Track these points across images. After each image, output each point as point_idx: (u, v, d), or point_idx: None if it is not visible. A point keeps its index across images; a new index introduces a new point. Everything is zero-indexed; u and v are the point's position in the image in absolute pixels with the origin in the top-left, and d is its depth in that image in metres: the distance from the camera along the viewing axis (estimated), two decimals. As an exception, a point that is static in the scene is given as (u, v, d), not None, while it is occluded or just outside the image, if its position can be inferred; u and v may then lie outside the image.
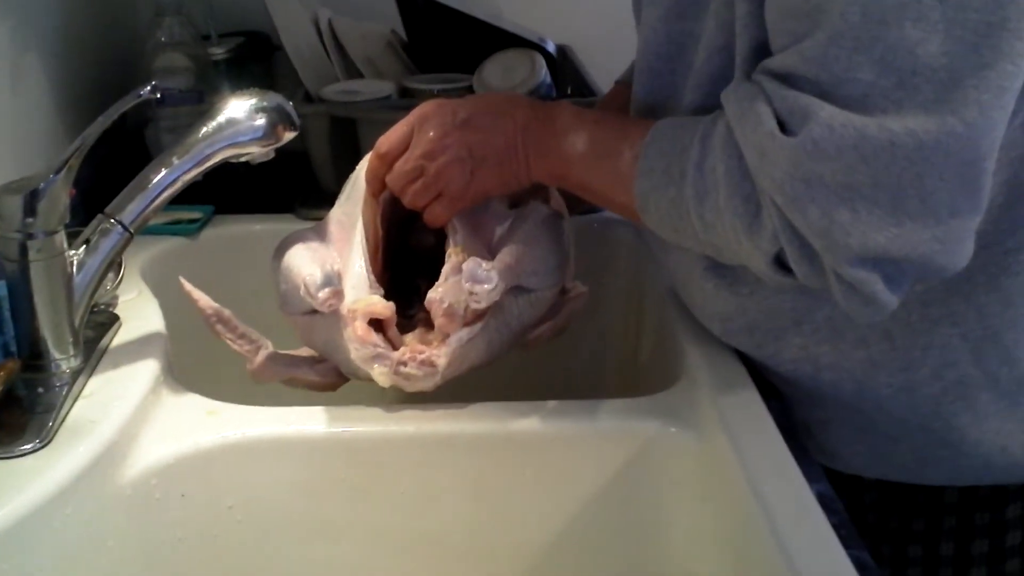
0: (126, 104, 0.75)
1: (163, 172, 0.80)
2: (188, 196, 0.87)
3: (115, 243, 0.80)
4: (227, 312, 0.86)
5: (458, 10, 1.25)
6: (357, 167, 0.91)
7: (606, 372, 1.17)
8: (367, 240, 0.86)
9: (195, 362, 1.03)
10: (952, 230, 0.62)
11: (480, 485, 0.80)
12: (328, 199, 1.15)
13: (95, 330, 0.86)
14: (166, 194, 0.81)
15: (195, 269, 1.07)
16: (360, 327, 0.77)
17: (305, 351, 0.90)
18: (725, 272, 0.80)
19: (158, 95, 0.75)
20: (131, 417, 0.76)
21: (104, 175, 1.12)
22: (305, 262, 0.83)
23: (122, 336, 0.87)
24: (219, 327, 0.85)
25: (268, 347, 0.86)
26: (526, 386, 1.13)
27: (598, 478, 0.80)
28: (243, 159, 0.85)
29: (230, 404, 0.81)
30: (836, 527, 0.64)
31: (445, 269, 0.79)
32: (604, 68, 1.25)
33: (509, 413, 0.80)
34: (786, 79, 0.65)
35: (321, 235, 0.90)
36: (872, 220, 0.62)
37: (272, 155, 0.86)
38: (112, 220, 0.80)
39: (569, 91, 1.32)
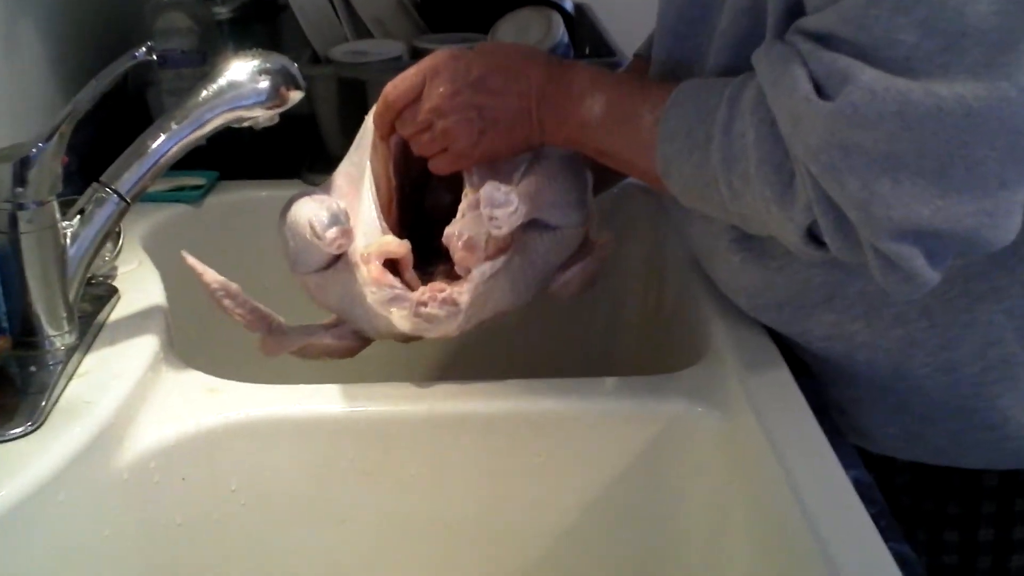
0: (120, 66, 0.71)
1: (161, 138, 0.77)
2: (191, 161, 0.83)
3: (111, 213, 0.77)
4: (234, 286, 0.82)
5: (471, -33, 1.20)
6: (366, 118, 0.87)
7: (625, 347, 1.13)
8: (378, 189, 0.82)
9: (198, 335, 1.00)
10: (1000, 202, 0.58)
11: (493, 467, 0.76)
12: (336, 163, 1.11)
13: (92, 303, 0.83)
14: (164, 161, 0.77)
15: (199, 238, 1.04)
16: (375, 268, 0.73)
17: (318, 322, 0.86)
18: (752, 244, 0.76)
19: (154, 56, 0.72)
20: (128, 396, 0.72)
21: (104, 139, 1.08)
22: (311, 208, 0.78)
23: (120, 310, 0.84)
24: (227, 302, 0.82)
25: (279, 320, 0.82)
26: (541, 361, 1.11)
27: (617, 461, 0.76)
28: (246, 124, 0.81)
29: (232, 382, 0.78)
30: (875, 518, 0.61)
31: (462, 206, 0.75)
32: (624, 28, 1.21)
33: (524, 391, 0.76)
34: (823, 40, 0.61)
35: (329, 190, 0.86)
36: (915, 191, 0.58)
37: (276, 120, 0.83)
38: (108, 189, 0.76)
39: (587, 51, 1.27)
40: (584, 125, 0.77)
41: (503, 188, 0.71)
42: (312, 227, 0.73)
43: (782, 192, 0.64)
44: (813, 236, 0.65)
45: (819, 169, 0.61)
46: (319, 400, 0.76)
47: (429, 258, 0.81)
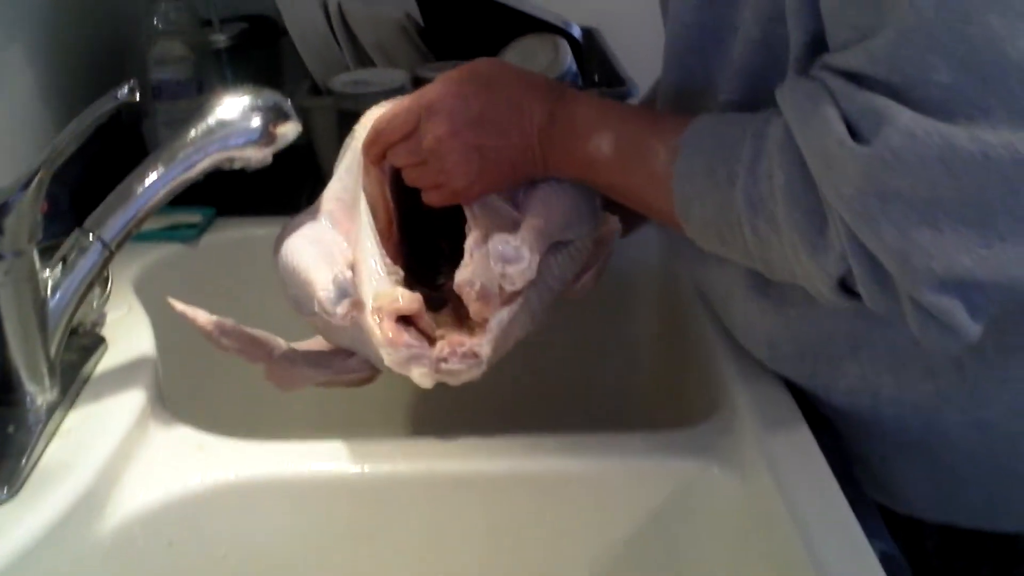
0: (102, 107, 0.67)
1: (147, 182, 0.73)
2: (187, 197, 0.80)
3: (94, 262, 0.73)
4: (229, 322, 0.78)
5: (476, -9, 1.16)
6: (353, 131, 0.84)
7: (634, 398, 1.09)
8: (376, 215, 0.78)
9: (190, 382, 0.97)
10: None
11: (497, 530, 0.73)
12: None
13: (78, 354, 0.79)
14: (151, 206, 0.74)
15: (194, 278, 1.01)
16: (388, 328, 0.69)
17: (320, 342, 0.82)
18: (771, 291, 0.72)
19: (137, 96, 0.67)
20: (112, 457, 0.69)
21: (96, 174, 1.04)
22: (312, 263, 0.75)
23: (107, 361, 0.80)
24: (224, 341, 0.78)
25: (282, 345, 0.78)
26: (545, 412, 1.07)
27: (627, 523, 0.73)
28: (237, 165, 0.77)
29: (222, 438, 0.75)
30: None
31: (468, 243, 0.72)
32: (634, 53, 1.17)
33: (528, 449, 0.73)
34: (854, 78, 0.57)
35: (321, 219, 0.82)
36: (958, 241, 0.54)
37: (270, 160, 0.79)
38: (91, 236, 0.72)
39: (596, 79, 1.23)
40: (592, 163, 0.73)
41: (512, 241, 0.67)
42: (320, 304, 0.70)
43: (814, 240, 0.60)
44: (846, 287, 0.61)
45: (854, 217, 0.57)
46: (313, 459, 0.72)
47: (435, 262, 0.79)
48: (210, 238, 1.05)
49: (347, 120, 1.04)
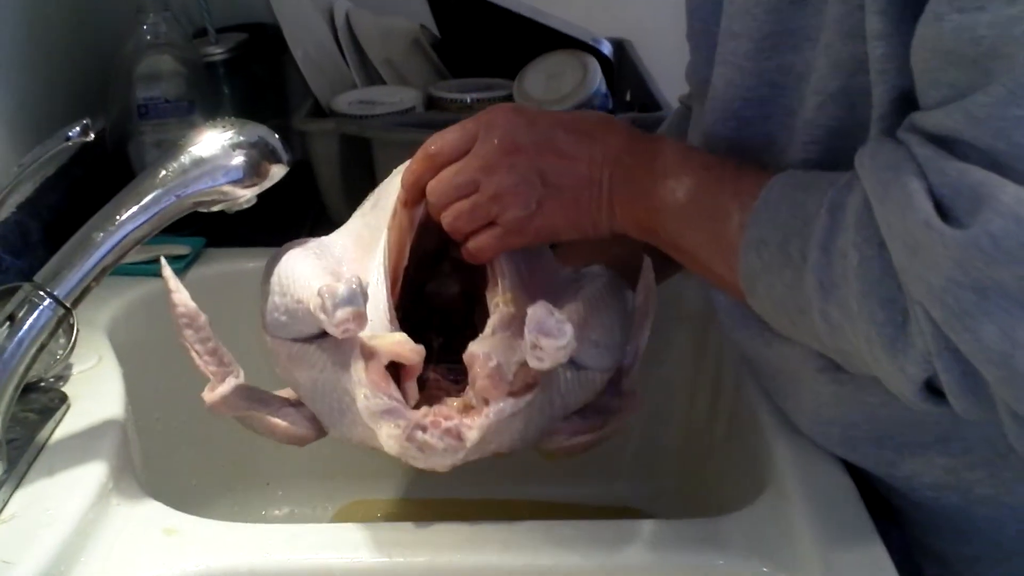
0: (49, 149, 0.58)
1: (108, 230, 0.64)
2: (175, 226, 0.70)
3: (46, 321, 0.63)
4: (203, 317, 0.68)
5: (498, 4, 1.06)
6: (392, 172, 0.74)
7: (664, 472, 0.99)
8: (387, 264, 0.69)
9: (172, 440, 0.89)
10: None
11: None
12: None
13: (38, 415, 0.71)
14: (112, 259, 0.64)
15: None
16: (376, 369, 0.60)
17: (286, 393, 0.73)
18: (847, 375, 0.63)
19: (91, 135, 0.58)
20: (61, 550, 0.60)
21: (79, 202, 0.95)
22: (317, 272, 0.66)
23: (68, 424, 0.71)
24: (187, 332, 0.68)
25: (239, 377, 0.69)
26: (560, 483, 0.97)
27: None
28: (216, 208, 0.68)
29: (195, 519, 0.66)
30: None
31: (492, 321, 0.63)
32: (669, 67, 1.07)
33: (544, 539, 0.65)
34: (947, 144, 0.48)
35: (332, 249, 0.73)
36: None
37: (254, 201, 0.70)
38: (42, 292, 0.62)
39: (628, 97, 1.13)
40: (661, 210, 0.64)
41: (556, 314, 0.58)
42: (322, 299, 0.60)
43: (892, 337, 0.51)
44: (931, 389, 0.52)
45: (944, 314, 0.47)
46: (298, 547, 0.63)
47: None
48: (198, 271, 0.96)
49: (351, 145, 0.95)
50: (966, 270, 0.46)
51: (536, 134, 0.66)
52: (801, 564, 0.61)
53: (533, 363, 0.58)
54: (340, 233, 0.75)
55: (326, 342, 0.66)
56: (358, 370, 0.61)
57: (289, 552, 0.63)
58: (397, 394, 0.61)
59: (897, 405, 0.59)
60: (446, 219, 0.68)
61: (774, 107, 0.63)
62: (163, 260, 0.70)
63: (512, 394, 0.60)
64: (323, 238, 0.74)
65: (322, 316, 0.60)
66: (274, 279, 0.69)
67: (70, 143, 0.58)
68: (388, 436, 0.60)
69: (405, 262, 0.70)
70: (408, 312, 0.71)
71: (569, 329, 0.57)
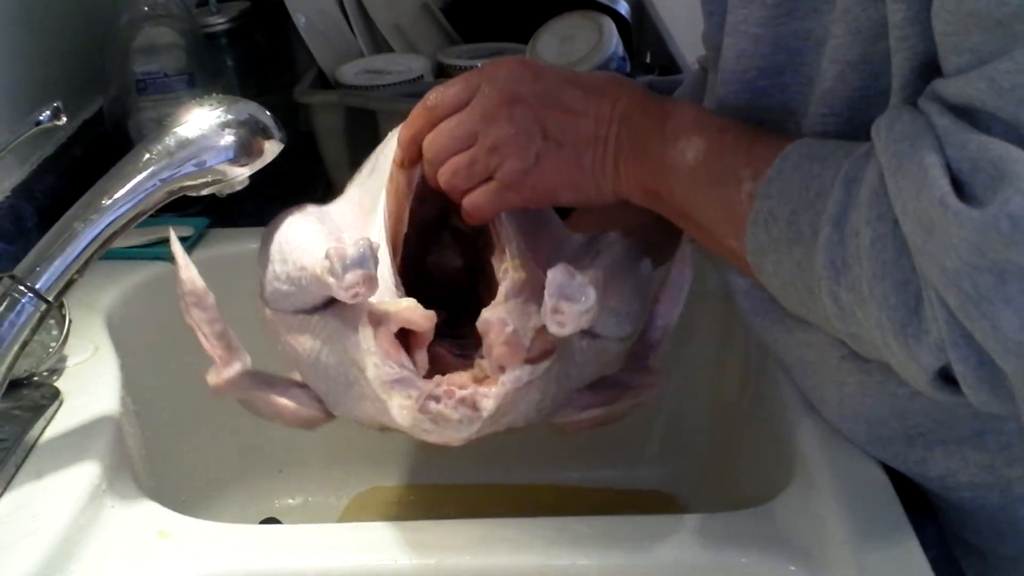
0: (16, 137, 0.54)
1: (90, 218, 0.60)
2: (177, 205, 0.68)
3: (27, 317, 0.60)
4: (212, 298, 0.65)
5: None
6: (387, 136, 0.70)
7: (690, 454, 0.95)
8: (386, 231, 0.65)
9: (173, 432, 0.86)
10: None
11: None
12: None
13: (29, 412, 0.68)
14: (95, 248, 0.61)
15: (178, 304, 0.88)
16: (385, 336, 0.57)
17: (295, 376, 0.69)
18: (873, 363, 0.59)
19: (63, 119, 0.54)
20: (46, 560, 0.57)
21: (77, 184, 0.91)
22: (321, 237, 0.62)
23: (60, 422, 0.69)
24: (194, 311, 0.65)
25: (246, 363, 0.65)
26: (576, 462, 0.93)
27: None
28: (205, 192, 0.64)
29: (189, 519, 0.63)
30: None
31: (504, 287, 0.59)
32: (691, 27, 1.01)
33: (560, 536, 0.61)
34: (968, 114, 0.44)
35: (331, 215, 0.69)
36: None
37: (246, 183, 0.66)
38: (22, 286, 0.59)
39: (648, 59, 1.07)
40: (668, 172, 0.60)
41: (579, 276, 0.54)
42: (331, 261, 0.56)
43: (904, 322, 0.47)
44: (945, 378, 0.48)
45: (960, 299, 0.44)
46: (298, 549, 0.61)
47: None
48: (202, 253, 0.92)
49: (356, 118, 0.91)
50: (983, 252, 0.42)
51: (541, 86, 0.62)
52: (830, 562, 0.58)
53: (553, 328, 0.54)
54: (338, 202, 0.71)
55: (329, 312, 0.62)
56: (367, 338, 0.57)
57: (288, 555, 0.60)
58: (408, 363, 0.57)
59: (926, 396, 0.56)
60: (443, 176, 0.64)
61: (792, 76, 0.59)
62: (173, 234, 0.66)
63: (529, 361, 0.56)
64: (322, 206, 0.70)
65: (330, 280, 0.56)
66: (274, 247, 0.65)
67: (40, 128, 0.54)
68: (400, 407, 0.57)
69: (404, 228, 0.66)
70: (409, 285, 0.66)
71: (592, 293, 0.54)
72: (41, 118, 0.54)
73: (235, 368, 0.64)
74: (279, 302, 0.65)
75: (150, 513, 0.63)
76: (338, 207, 0.70)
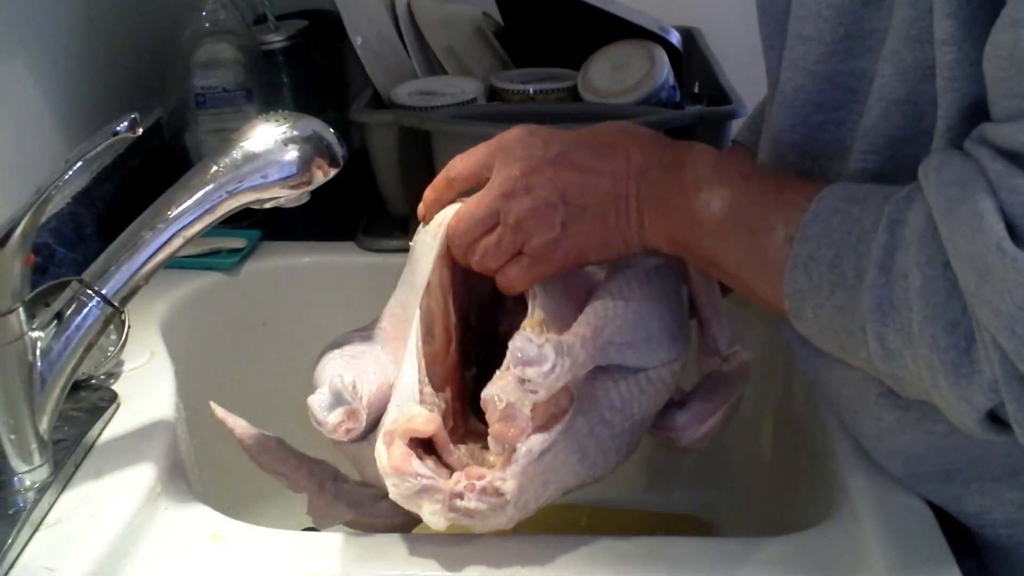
0: (96, 145, 0.56)
1: (158, 227, 0.62)
2: (231, 218, 0.68)
3: (94, 320, 0.62)
4: (274, 439, 0.68)
5: (563, -10, 1.02)
6: (416, 235, 0.71)
7: (727, 481, 0.95)
8: (430, 330, 0.66)
9: (221, 436, 0.85)
10: None
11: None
12: (396, 226, 0.96)
13: (85, 414, 0.69)
14: (162, 256, 0.62)
15: (233, 312, 0.92)
16: (397, 453, 0.57)
17: None
18: (911, 401, 0.58)
19: (139, 131, 0.56)
20: (105, 557, 0.58)
21: (135, 193, 0.94)
22: (324, 377, 0.63)
23: (117, 425, 0.70)
24: (264, 459, 0.67)
25: (331, 474, 0.68)
26: (617, 491, 0.93)
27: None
28: (268, 205, 0.66)
29: (241, 524, 0.64)
30: None
31: (508, 355, 0.58)
32: (739, 58, 1.02)
33: (593, 557, 0.61)
34: (1019, 160, 0.44)
35: (371, 336, 0.70)
36: None
37: (307, 198, 0.67)
38: (90, 290, 0.61)
39: (697, 89, 1.08)
40: (695, 224, 0.60)
41: (535, 339, 0.54)
42: (312, 412, 0.59)
43: (956, 363, 0.47)
44: (995, 419, 0.49)
45: (1015, 343, 0.44)
46: (349, 556, 0.61)
47: None
48: (253, 266, 0.94)
49: (409, 137, 0.92)
50: None
51: (552, 152, 0.63)
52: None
53: (529, 396, 0.55)
54: (382, 315, 0.71)
55: (371, 436, 0.63)
56: (380, 459, 0.59)
57: (337, 562, 0.61)
58: (424, 469, 0.58)
59: (963, 434, 0.56)
60: (474, 260, 0.65)
61: (847, 112, 0.59)
62: (213, 406, 0.69)
63: (539, 429, 0.57)
64: (367, 326, 0.71)
65: (316, 426, 0.59)
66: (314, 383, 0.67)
67: (117, 138, 0.55)
68: (431, 514, 0.58)
69: (454, 318, 0.67)
70: (484, 363, 0.69)
71: (549, 351, 0.54)
72: (119, 128, 0.56)
73: (326, 495, 0.67)
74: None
75: (203, 516, 0.64)
76: (380, 323, 0.71)
